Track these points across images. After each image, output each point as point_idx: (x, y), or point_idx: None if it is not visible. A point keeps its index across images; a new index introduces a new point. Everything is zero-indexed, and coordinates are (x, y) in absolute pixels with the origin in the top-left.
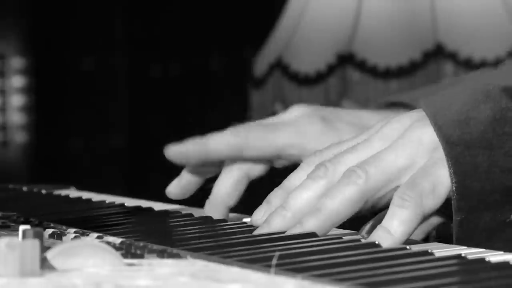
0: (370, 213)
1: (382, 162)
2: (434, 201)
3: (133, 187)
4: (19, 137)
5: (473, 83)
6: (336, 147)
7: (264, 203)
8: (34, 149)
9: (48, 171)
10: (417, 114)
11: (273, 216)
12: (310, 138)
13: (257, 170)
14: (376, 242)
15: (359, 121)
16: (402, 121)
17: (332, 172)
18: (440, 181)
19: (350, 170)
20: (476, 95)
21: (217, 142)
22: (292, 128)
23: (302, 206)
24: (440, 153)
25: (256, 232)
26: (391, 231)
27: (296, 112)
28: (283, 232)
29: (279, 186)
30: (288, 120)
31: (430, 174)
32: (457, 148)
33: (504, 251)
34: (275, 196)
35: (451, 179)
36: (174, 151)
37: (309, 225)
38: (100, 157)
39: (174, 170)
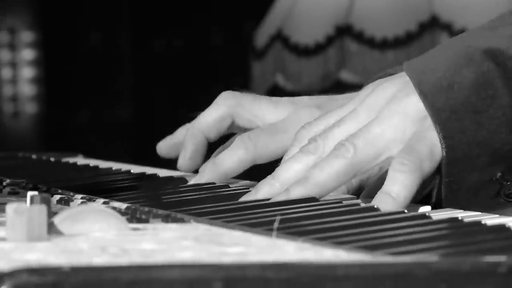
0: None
1: (370, 135)
2: (431, 164)
3: (139, 156)
4: (30, 108)
5: (454, 46)
6: (324, 118)
7: (254, 189)
8: (44, 120)
9: (57, 141)
10: (400, 81)
11: (262, 184)
12: None
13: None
14: (375, 206)
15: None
16: (385, 89)
17: (322, 147)
18: (435, 144)
19: (339, 144)
20: (457, 59)
21: (230, 162)
22: (294, 123)
23: (291, 177)
24: (430, 120)
25: (243, 199)
26: (393, 195)
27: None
28: (269, 199)
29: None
30: (289, 116)
31: (425, 138)
32: (444, 114)
33: (486, 207)
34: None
35: (441, 144)
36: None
37: (295, 193)
38: (107, 127)
39: None
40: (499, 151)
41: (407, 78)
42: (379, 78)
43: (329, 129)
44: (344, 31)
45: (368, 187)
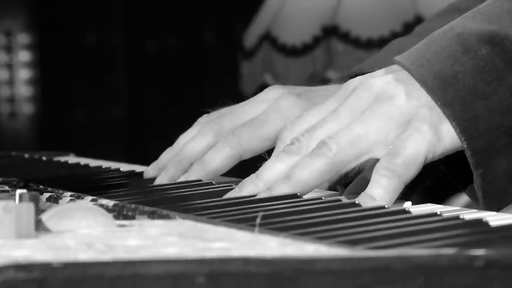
0: (340, 185)
1: (353, 135)
2: (415, 169)
3: (132, 154)
4: (26, 109)
5: (445, 36)
6: (306, 117)
7: (237, 187)
8: (40, 120)
9: (53, 140)
10: (383, 80)
11: (246, 183)
12: (294, 118)
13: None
14: (357, 202)
15: (334, 92)
16: (368, 89)
17: (305, 147)
18: (418, 150)
19: (321, 142)
20: (453, 47)
21: (216, 160)
22: (276, 115)
23: (274, 176)
24: (413, 124)
25: (226, 196)
26: (376, 198)
27: (272, 94)
28: (254, 196)
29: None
30: (269, 107)
31: (409, 144)
32: (456, 108)
33: None
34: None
35: (460, 138)
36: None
37: (277, 191)
38: (101, 127)
39: (169, 138)
40: None
41: (394, 76)
42: (344, 78)
43: (311, 128)
44: (331, 31)
45: (351, 185)
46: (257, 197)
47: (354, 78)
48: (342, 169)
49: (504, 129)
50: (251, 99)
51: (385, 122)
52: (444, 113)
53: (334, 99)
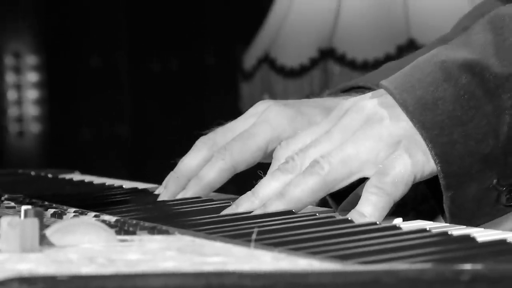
0: (333, 202)
1: (344, 155)
2: (404, 188)
3: (135, 172)
4: (34, 128)
5: (429, 62)
6: (300, 137)
7: (234, 204)
8: (47, 138)
9: (60, 158)
10: (374, 102)
11: (242, 200)
12: (283, 128)
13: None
14: (349, 218)
15: (322, 104)
16: (360, 111)
17: (299, 166)
18: (406, 170)
19: (314, 161)
20: (435, 75)
21: (210, 175)
22: (264, 126)
23: (269, 193)
24: (402, 145)
25: (224, 212)
26: (366, 215)
27: (261, 107)
28: (250, 212)
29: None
30: (258, 120)
31: (398, 164)
32: (433, 131)
33: (488, 216)
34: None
35: (434, 161)
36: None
37: (272, 208)
38: (106, 145)
39: (171, 155)
40: (489, 156)
41: (382, 100)
42: (340, 90)
43: (305, 148)
44: (327, 54)
45: (345, 202)
46: (252, 213)
47: (347, 100)
48: (334, 187)
49: (478, 156)
50: (243, 114)
51: (375, 143)
52: (422, 135)
53: (328, 120)
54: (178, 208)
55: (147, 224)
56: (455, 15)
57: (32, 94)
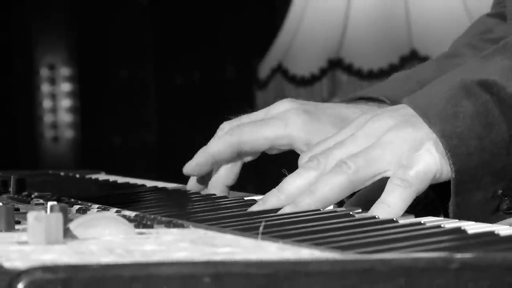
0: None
1: (370, 156)
2: (426, 183)
3: (160, 174)
4: (68, 134)
5: (449, 81)
6: (323, 143)
7: (261, 201)
8: (79, 144)
9: (91, 163)
10: (396, 114)
11: (269, 197)
12: (296, 128)
13: (250, 155)
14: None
15: (338, 112)
16: (383, 120)
17: (323, 164)
18: (429, 166)
19: (341, 161)
20: (455, 91)
21: (217, 145)
22: (279, 121)
23: (294, 190)
24: (426, 147)
25: (251, 209)
26: (390, 205)
27: (283, 106)
28: (277, 210)
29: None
30: (276, 114)
31: (422, 160)
32: (453, 141)
33: (487, 220)
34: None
35: (451, 168)
36: (188, 168)
37: (303, 205)
38: (134, 151)
39: None
40: (500, 171)
41: (404, 111)
42: (351, 99)
43: (329, 149)
44: (336, 64)
45: (352, 199)
46: (281, 211)
47: (368, 111)
48: (359, 186)
49: (490, 169)
50: (266, 108)
51: (399, 146)
52: (442, 143)
53: (350, 127)
54: (194, 205)
55: (164, 218)
56: (453, 28)
57: (65, 103)
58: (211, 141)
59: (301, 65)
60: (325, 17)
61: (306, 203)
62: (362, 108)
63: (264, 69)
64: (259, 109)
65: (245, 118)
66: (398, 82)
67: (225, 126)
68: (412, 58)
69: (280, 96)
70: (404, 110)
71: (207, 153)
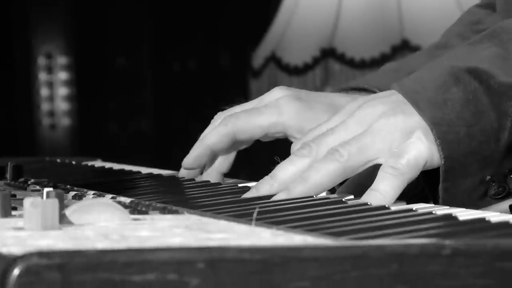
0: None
1: (362, 144)
2: (417, 171)
3: (157, 162)
4: (65, 121)
5: (438, 67)
6: (316, 130)
7: (254, 188)
8: (76, 131)
9: (88, 149)
10: (387, 100)
11: (262, 184)
12: (289, 116)
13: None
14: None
15: (331, 100)
16: (374, 107)
17: (315, 151)
18: (420, 154)
19: (334, 149)
20: (444, 78)
21: (213, 136)
22: (273, 109)
23: (287, 177)
24: (416, 134)
25: (245, 196)
26: (382, 193)
27: (276, 94)
28: (271, 196)
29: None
30: (270, 103)
31: (412, 148)
32: (442, 128)
33: (475, 205)
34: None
35: (440, 155)
36: (187, 162)
37: (295, 192)
38: (131, 138)
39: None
40: (488, 157)
41: (394, 98)
42: (343, 89)
43: (321, 136)
44: (328, 53)
45: (342, 186)
46: (275, 198)
47: (359, 98)
48: (351, 173)
49: (478, 157)
50: (260, 97)
51: (390, 133)
52: (432, 130)
53: (342, 113)
54: (189, 191)
55: (158, 204)
56: (443, 18)
57: (62, 91)
58: (205, 132)
59: (294, 54)
60: (318, 7)
61: (299, 190)
62: (355, 97)
63: (258, 58)
64: (253, 97)
65: (238, 108)
66: (390, 73)
67: (219, 117)
68: (403, 47)
69: (273, 84)
70: (395, 97)
71: (204, 145)
